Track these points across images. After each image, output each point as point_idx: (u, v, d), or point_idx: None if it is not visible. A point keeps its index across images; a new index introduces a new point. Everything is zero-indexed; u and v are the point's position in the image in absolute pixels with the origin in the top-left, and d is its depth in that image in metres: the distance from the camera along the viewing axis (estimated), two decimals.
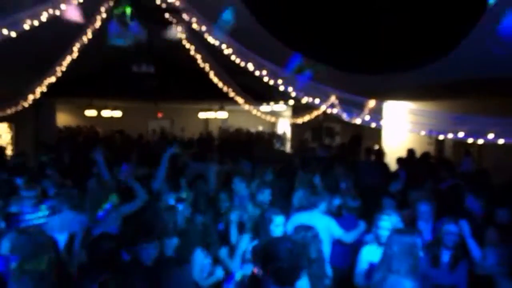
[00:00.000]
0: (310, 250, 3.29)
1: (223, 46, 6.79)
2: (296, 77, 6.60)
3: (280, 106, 15.12)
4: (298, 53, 7.53)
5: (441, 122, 5.84)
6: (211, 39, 6.87)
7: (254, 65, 6.76)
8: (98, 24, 7.26)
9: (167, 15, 7.26)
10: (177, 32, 7.19)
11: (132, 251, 3.52)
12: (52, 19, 6.01)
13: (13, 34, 5.67)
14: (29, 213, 4.31)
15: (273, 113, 15.31)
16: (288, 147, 16.76)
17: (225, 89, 9.92)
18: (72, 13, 5.68)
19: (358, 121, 6.45)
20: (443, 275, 3.63)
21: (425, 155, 8.78)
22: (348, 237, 4.39)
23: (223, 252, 4.11)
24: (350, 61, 6.91)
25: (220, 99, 13.30)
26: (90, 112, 16.75)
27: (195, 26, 6.87)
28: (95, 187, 5.18)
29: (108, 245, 3.13)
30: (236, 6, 6.60)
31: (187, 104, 17.92)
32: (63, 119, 18.42)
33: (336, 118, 7.18)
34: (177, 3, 6.81)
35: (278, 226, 3.83)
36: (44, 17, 5.90)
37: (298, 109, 12.89)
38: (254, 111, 12.21)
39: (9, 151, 11.28)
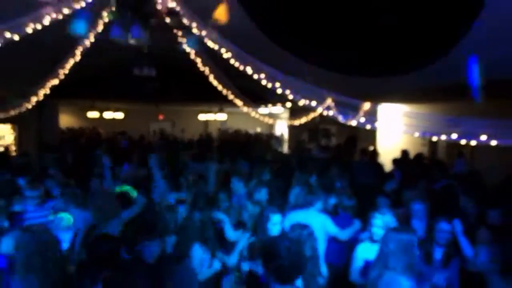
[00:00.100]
0: (305, 248, 3.28)
1: (223, 50, 6.79)
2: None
3: (277, 108, 15.14)
4: (296, 56, 7.55)
5: (434, 124, 5.83)
6: (210, 43, 6.86)
7: (252, 69, 6.76)
8: (100, 28, 7.25)
9: (167, 19, 7.25)
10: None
11: (134, 249, 3.51)
12: (55, 22, 6.00)
13: (16, 38, 5.65)
14: (32, 212, 4.30)
15: (271, 115, 15.31)
16: (285, 148, 16.76)
17: (224, 91, 9.91)
18: None
19: (353, 123, 6.43)
20: (436, 272, 3.62)
21: (419, 156, 8.80)
22: (343, 234, 4.39)
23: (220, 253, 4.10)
24: (348, 64, 6.94)
25: (219, 102, 13.30)
26: (93, 114, 16.73)
27: (195, 30, 6.86)
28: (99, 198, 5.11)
29: (107, 246, 3.11)
30: (236, 11, 6.62)
31: (187, 106, 17.93)
32: (66, 120, 18.38)
33: (332, 120, 7.16)
34: (177, 8, 6.80)
35: (275, 224, 3.82)
36: (47, 20, 5.88)
37: (295, 111, 12.89)
38: (253, 113, 12.19)
39: (12, 152, 11.21)
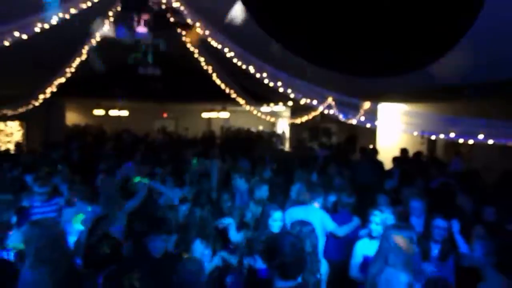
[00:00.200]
0: (305, 244, 3.28)
1: (226, 49, 6.80)
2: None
3: (279, 107, 15.13)
4: (298, 56, 7.53)
5: (433, 123, 5.85)
6: (214, 43, 6.87)
7: (255, 68, 6.77)
8: (106, 27, 7.26)
9: (172, 19, 7.25)
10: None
11: (140, 244, 3.51)
12: (62, 22, 6.02)
13: (24, 37, 5.68)
14: (39, 208, 4.33)
15: (272, 114, 15.31)
16: (286, 146, 16.77)
17: (227, 90, 9.92)
18: None
19: (353, 121, 6.45)
20: (434, 268, 3.63)
21: (418, 154, 8.78)
22: (340, 231, 4.40)
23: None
24: (349, 64, 6.92)
25: (222, 100, 13.31)
26: (98, 112, 16.77)
27: (199, 30, 6.87)
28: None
29: (105, 249, 3.05)
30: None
31: (191, 104, 17.92)
32: (72, 118, 18.41)
33: (332, 119, 7.17)
34: (182, 9, 6.81)
35: (276, 221, 3.84)
36: (54, 20, 5.90)
37: (297, 110, 12.90)
38: (255, 112, 12.20)
39: (23, 148, 11.23)
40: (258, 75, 6.80)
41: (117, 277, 2.64)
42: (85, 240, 3.62)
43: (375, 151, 8.89)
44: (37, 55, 8.11)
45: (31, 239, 2.84)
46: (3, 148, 10.89)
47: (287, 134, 17.63)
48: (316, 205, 4.54)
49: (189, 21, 6.82)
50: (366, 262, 3.64)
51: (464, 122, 4.83)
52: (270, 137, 18.04)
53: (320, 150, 10.73)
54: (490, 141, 4.50)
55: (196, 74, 10.30)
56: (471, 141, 4.82)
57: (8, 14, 5.61)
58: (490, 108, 6.89)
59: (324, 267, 3.46)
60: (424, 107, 9.44)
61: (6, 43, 5.51)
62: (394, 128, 7.69)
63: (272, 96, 12.21)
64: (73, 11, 6.08)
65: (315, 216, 4.24)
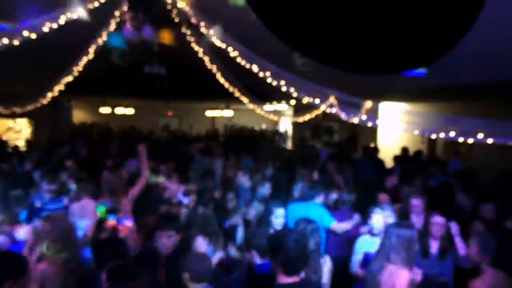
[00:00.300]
0: (309, 242, 3.29)
1: (230, 49, 6.80)
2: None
3: (282, 106, 15.12)
4: (302, 54, 7.54)
5: (433, 122, 5.84)
6: (218, 42, 6.88)
7: (258, 67, 6.77)
8: (112, 27, 7.28)
9: (176, 19, 7.26)
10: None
11: (148, 240, 3.52)
12: (70, 22, 6.04)
13: (34, 36, 5.71)
14: (47, 204, 4.36)
15: (275, 112, 15.30)
16: (289, 144, 16.77)
17: (230, 89, 9.92)
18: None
19: (355, 120, 6.44)
20: (432, 265, 3.64)
21: (418, 153, 8.78)
22: (340, 227, 4.41)
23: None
24: (351, 62, 6.91)
25: (226, 99, 13.32)
26: (104, 109, 16.82)
27: (203, 30, 6.88)
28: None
29: (111, 251, 3.05)
30: (242, 11, 6.62)
31: (195, 103, 17.94)
32: (79, 115, 18.49)
33: (334, 118, 7.17)
34: (186, 8, 6.82)
35: (278, 217, 3.85)
36: (62, 20, 5.93)
37: (299, 109, 12.88)
38: (258, 110, 12.20)
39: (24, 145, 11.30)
40: (261, 74, 6.81)
41: (121, 272, 2.64)
42: (92, 234, 3.65)
43: (376, 150, 8.90)
44: (45, 55, 8.15)
45: (43, 232, 2.88)
46: (12, 145, 10.93)
47: (290, 133, 17.63)
48: (317, 202, 4.56)
49: (193, 20, 6.83)
50: (367, 259, 3.65)
51: (464, 121, 4.82)
52: (273, 136, 18.04)
53: (323, 148, 10.73)
54: (489, 140, 4.49)
55: (200, 73, 10.32)
56: (470, 140, 4.81)
57: (17, 15, 5.65)
58: (489, 108, 6.88)
59: (328, 264, 3.46)
60: (424, 107, 9.43)
61: (16, 43, 5.55)
62: (395, 127, 7.67)
63: (275, 95, 12.21)
64: (80, 10, 6.11)
65: (315, 212, 4.25)
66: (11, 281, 2.28)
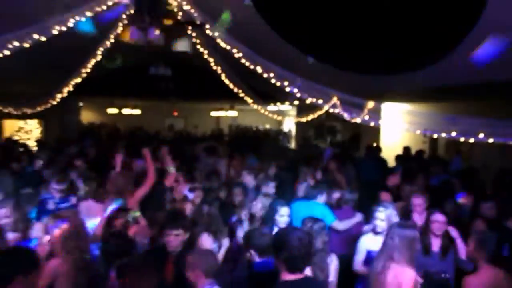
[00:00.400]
0: (316, 241, 3.28)
1: (234, 50, 6.82)
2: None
3: (286, 106, 15.12)
4: (307, 54, 7.55)
5: (435, 122, 5.82)
6: (223, 44, 6.90)
7: (262, 68, 6.79)
8: (119, 29, 7.32)
9: (181, 20, 7.28)
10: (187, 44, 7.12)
11: (156, 238, 3.52)
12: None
13: (43, 39, 5.76)
14: (59, 203, 4.39)
15: (279, 112, 15.31)
16: (292, 144, 16.76)
17: (235, 90, 9.94)
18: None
19: (358, 120, 6.43)
20: (434, 263, 3.63)
21: (420, 152, 8.76)
22: (341, 225, 4.41)
23: None
24: (355, 62, 6.90)
25: (230, 99, 13.34)
26: (112, 110, 16.91)
27: (208, 32, 6.90)
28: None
29: (116, 247, 3.05)
30: (247, 12, 6.64)
31: (200, 103, 17.99)
32: (87, 116, 18.59)
33: (337, 117, 7.17)
34: (192, 11, 6.84)
35: (283, 216, 3.86)
36: (71, 23, 5.97)
37: (303, 109, 12.87)
38: (262, 110, 12.22)
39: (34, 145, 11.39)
40: (265, 75, 6.82)
41: (130, 270, 2.65)
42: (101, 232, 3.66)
43: (378, 149, 8.88)
44: (54, 57, 8.21)
45: (56, 230, 2.91)
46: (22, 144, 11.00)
47: (293, 132, 17.62)
48: (320, 200, 4.56)
49: (198, 22, 6.85)
50: (370, 257, 3.65)
51: (465, 121, 4.80)
52: (277, 135, 18.04)
53: (328, 148, 10.70)
54: (490, 140, 4.48)
55: (205, 74, 10.35)
56: (471, 140, 4.80)
57: (28, 17, 5.70)
58: (490, 108, 6.85)
59: (335, 263, 3.45)
60: (426, 107, 9.39)
61: (26, 45, 5.60)
62: (397, 127, 7.65)
63: (278, 95, 12.22)
64: (88, 14, 6.16)
65: (317, 211, 4.25)
66: (21, 276, 2.30)
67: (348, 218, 4.53)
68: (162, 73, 9.99)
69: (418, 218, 4.29)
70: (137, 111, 17.27)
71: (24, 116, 11.98)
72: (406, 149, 9.05)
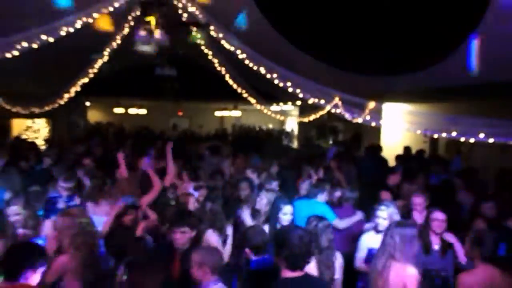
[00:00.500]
0: (321, 239, 3.27)
1: (238, 51, 6.83)
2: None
3: (288, 106, 15.12)
4: (309, 54, 7.54)
5: (435, 122, 5.81)
6: (227, 45, 6.91)
7: (265, 69, 6.79)
8: (126, 31, 7.35)
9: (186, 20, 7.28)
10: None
11: (163, 235, 3.52)
12: (85, 26, 6.11)
13: (51, 40, 5.78)
14: (67, 201, 4.40)
15: (282, 112, 15.31)
16: (295, 143, 16.76)
17: (239, 90, 9.95)
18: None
19: (359, 120, 6.43)
20: (434, 261, 3.62)
21: (420, 152, 8.73)
22: (341, 223, 4.40)
23: None
24: (357, 62, 6.88)
25: (234, 99, 13.34)
26: (118, 110, 16.97)
27: (213, 33, 6.91)
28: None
29: (121, 239, 3.07)
30: (251, 14, 6.64)
31: (204, 103, 18.02)
32: (94, 116, 18.66)
33: (339, 118, 7.16)
34: (197, 12, 6.85)
35: (286, 214, 3.86)
36: (78, 24, 6.00)
37: (305, 109, 12.86)
38: (265, 110, 12.22)
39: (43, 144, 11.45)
40: (268, 76, 6.83)
41: (138, 267, 2.64)
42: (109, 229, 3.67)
43: (379, 148, 8.85)
44: (62, 57, 8.24)
45: (64, 227, 2.92)
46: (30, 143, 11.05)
47: (296, 132, 17.61)
48: (320, 199, 4.55)
49: (202, 23, 6.85)
50: (371, 255, 3.64)
51: (465, 121, 4.79)
52: (280, 135, 18.04)
53: (332, 147, 10.67)
54: (491, 140, 4.46)
55: (210, 74, 10.37)
56: (471, 140, 4.78)
57: (37, 20, 5.73)
58: (490, 109, 6.81)
59: (339, 260, 3.44)
60: (427, 107, 9.35)
61: (35, 46, 5.63)
62: (398, 127, 7.64)
63: (281, 96, 12.22)
64: (95, 15, 6.18)
65: (317, 210, 4.24)
66: (30, 270, 2.34)
67: (349, 216, 4.52)
68: (168, 74, 9.99)
69: (418, 216, 4.27)
70: (143, 111, 17.32)
71: (32, 116, 12.04)
72: (406, 149, 9.02)
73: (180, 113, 19.80)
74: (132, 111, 17.06)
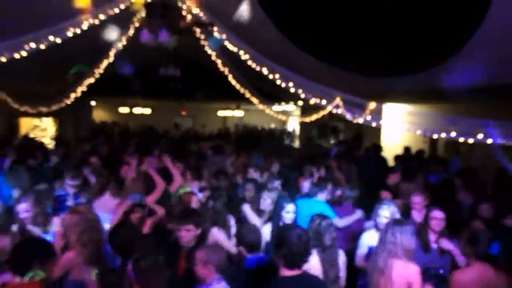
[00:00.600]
0: (324, 238, 3.28)
1: (241, 52, 6.84)
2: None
3: (290, 106, 15.12)
4: (311, 55, 7.52)
5: (435, 123, 5.80)
6: (230, 46, 6.91)
7: (267, 70, 6.80)
8: (131, 32, 7.36)
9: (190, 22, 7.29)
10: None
11: (169, 232, 3.52)
12: (92, 27, 6.13)
13: (58, 41, 5.81)
14: (75, 199, 4.42)
15: (284, 112, 15.30)
16: (296, 143, 16.75)
17: (241, 90, 9.95)
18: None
19: (360, 120, 6.42)
20: (433, 259, 3.62)
21: (419, 152, 8.72)
22: (341, 222, 4.41)
23: None
24: (358, 62, 6.86)
25: (237, 99, 13.35)
26: (123, 109, 17.02)
27: (216, 34, 6.91)
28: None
29: (125, 236, 3.03)
30: (254, 14, 6.64)
31: (207, 103, 18.04)
32: (99, 115, 18.71)
33: (340, 118, 7.16)
34: (201, 14, 6.85)
35: (289, 212, 3.87)
36: (85, 25, 6.02)
37: (306, 109, 12.85)
38: (267, 110, 12.22)
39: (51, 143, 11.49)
40: (270, 76, 6.83)
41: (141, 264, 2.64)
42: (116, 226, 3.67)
43: (379, 148, 8.85)
44: (68, 58, 8.27)
45: (72, 224, 2.94)
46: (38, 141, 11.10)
47: (297, 132, 17.61)
48: (321, 198, 4.56)
49: (207, 23, 6.85)
50: (371, 252, 3.65)
51: (465, 122, 4.78)
52: (281, 135, 18.04)
53: (335, 147, 10.67)
54: (489, 141, 4.45)
55: (213, 74, 10.37)
56: (471, 140, 4.77)
57: (44, 21, 5.75)
58: (489, 110, 6.80)
59: (342, 258, 3.45)
60: (426, 108, 9.34)
61: (42, 47, 5.65)
62: (398, 127, 7.63)
63: (283, 96, 12.22)
64: (102, 16, 6.20)
65: (317, 208, 4.25)
66: (38, 264, 2.37)
67: (348, 214, 4.53)
68: (172, 74, 10.01)
69: (417, 215, 4.27)
70: (148, 110, 17.35)
71: (39, 115, 12.09)
72: (406, 149, 9.02)
73: (183, 113, 19.84)
74: (137, 110, 17.10)
